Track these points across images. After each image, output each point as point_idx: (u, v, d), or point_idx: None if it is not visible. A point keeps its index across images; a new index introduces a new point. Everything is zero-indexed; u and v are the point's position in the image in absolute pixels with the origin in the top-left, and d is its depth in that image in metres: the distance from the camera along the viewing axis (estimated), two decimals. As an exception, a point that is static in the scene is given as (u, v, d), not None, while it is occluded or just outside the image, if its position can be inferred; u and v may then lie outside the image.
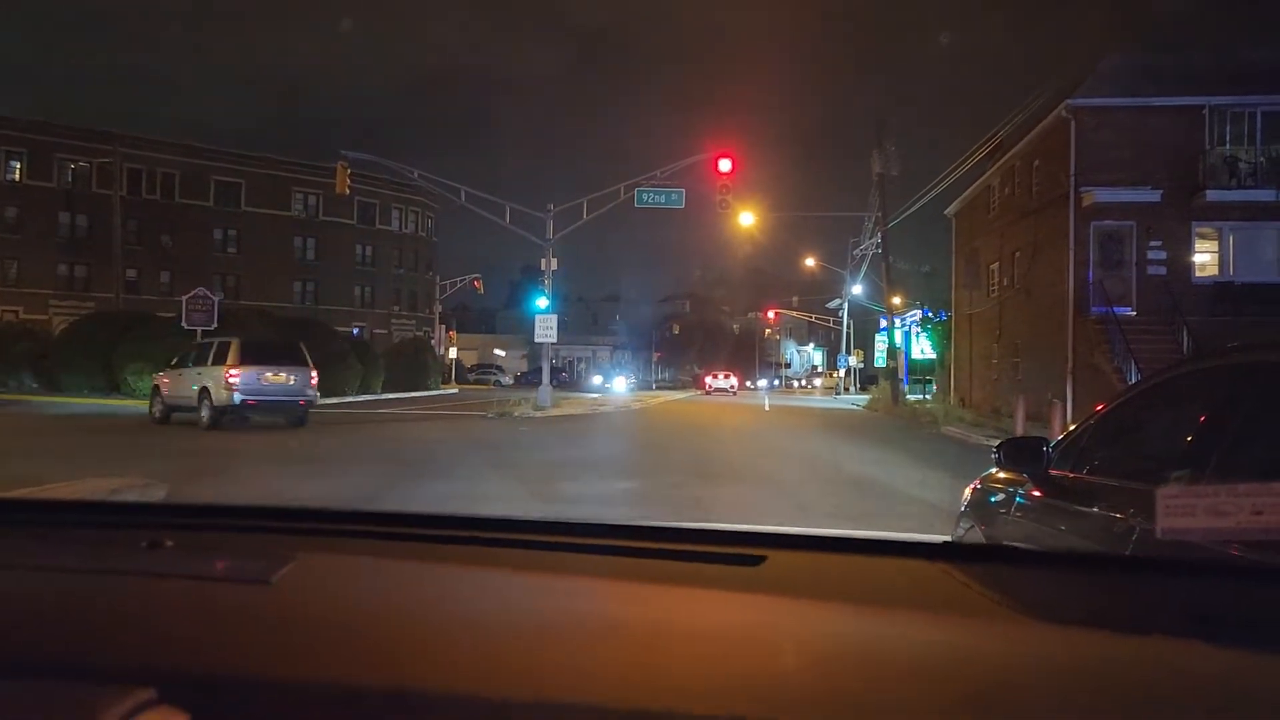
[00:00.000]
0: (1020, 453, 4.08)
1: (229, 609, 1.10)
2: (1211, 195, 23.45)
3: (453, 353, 64.51)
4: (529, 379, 39.87)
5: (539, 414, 27.84)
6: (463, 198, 31.75)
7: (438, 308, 66.78)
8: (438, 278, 68.41)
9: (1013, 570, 1.44)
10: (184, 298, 29.87)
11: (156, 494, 9.45)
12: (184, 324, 28.97)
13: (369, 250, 66.76)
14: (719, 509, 9.79)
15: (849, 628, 1.10)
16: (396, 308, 68.76)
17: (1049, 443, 4.11)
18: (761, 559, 1.41)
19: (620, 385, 58.23)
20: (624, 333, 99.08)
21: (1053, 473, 3.86)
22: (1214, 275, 24.12)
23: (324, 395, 33.29)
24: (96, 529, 1.74)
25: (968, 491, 4.81)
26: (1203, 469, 2.90)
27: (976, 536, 4.54)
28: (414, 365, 44.95)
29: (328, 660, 0.92)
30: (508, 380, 66.43)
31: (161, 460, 13.43)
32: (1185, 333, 22.16)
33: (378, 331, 62.66)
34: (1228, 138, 24.09)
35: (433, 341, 57.85)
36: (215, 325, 29.05)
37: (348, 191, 29.61)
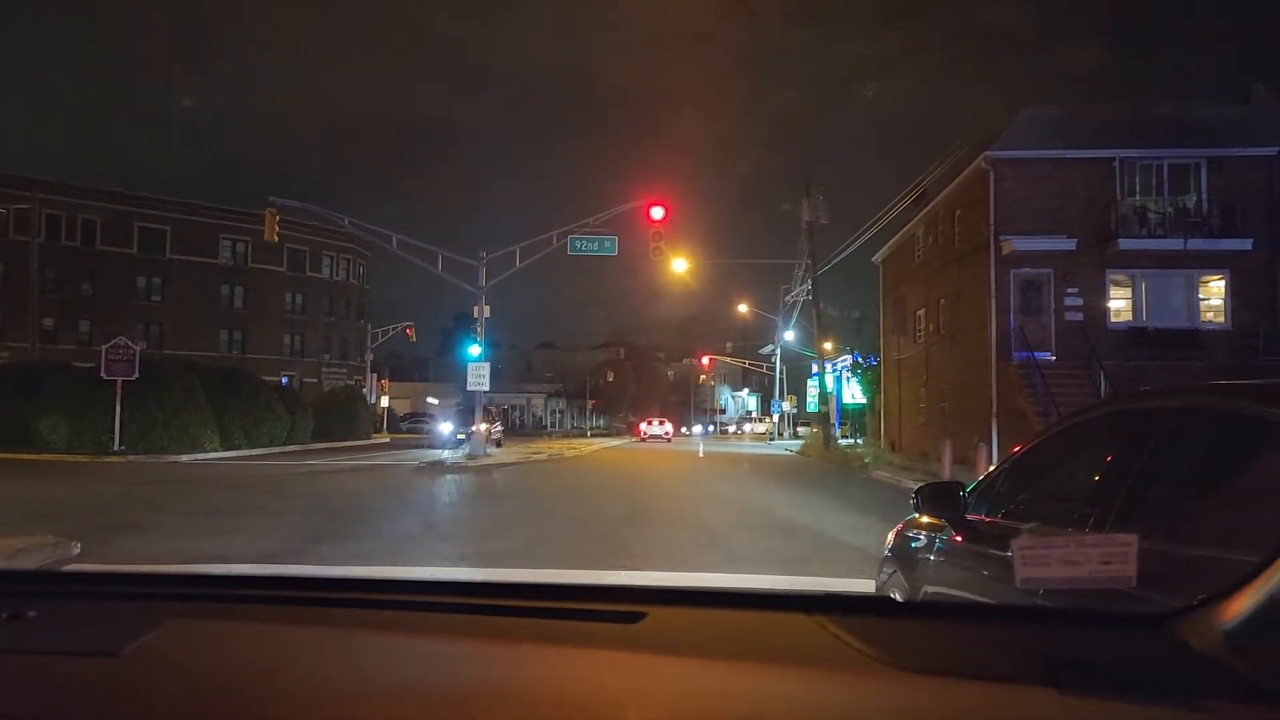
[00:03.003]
0: (937, 498, 4.13)
1: (73, 683, 1.05)
2: (1124, 244, 24.33)
3: (385, 401, 63.58)
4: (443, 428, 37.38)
5: (472, 463, 27.52)
6: (394, 245, 31.53)
7: (369, 356, 65.90)
8: (369, 326, 67.57)
9: (885, 622, 1.45)
10: (104, 347, 29.05)
11: (69, 552, 9.13)
12: (103, 374, 28.14)
13: (299, 298, 65.81)
14: (650, 556, 9.75)
15: (723, 687, 1.10)
16: (327, 356, 67.75)
17: (965, 487, 4.18)
18: (642, 615, 1.40)
19: (483, 435, 33.21)
20: (558, 380, 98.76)
21: (969, 517, 3.92)
22: (1128, 321, 24.95)
23: (249, 446, 32.74)
24: None
25: (891, 536, 4.86)
26: (1107, 511, 2.97)
27: (899, 581, 4.57)
28: (345, 415, 44.29)
29: None
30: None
31: (77, 517, 12.97)
32: (1102, 377, 22.83)
33: (308, 380, 61.59)
34: (1138, 189, 25.08)
35: (364, 390, 56.98)
36: (136, 375, 28.29)
37: (276, 238, 29.17)
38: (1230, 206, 24.34)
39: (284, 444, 35.40)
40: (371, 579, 1.72)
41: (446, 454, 29.23)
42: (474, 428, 31.33)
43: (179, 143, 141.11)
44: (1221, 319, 24.58)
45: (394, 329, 64.61)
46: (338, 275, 69.11)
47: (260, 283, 62.76)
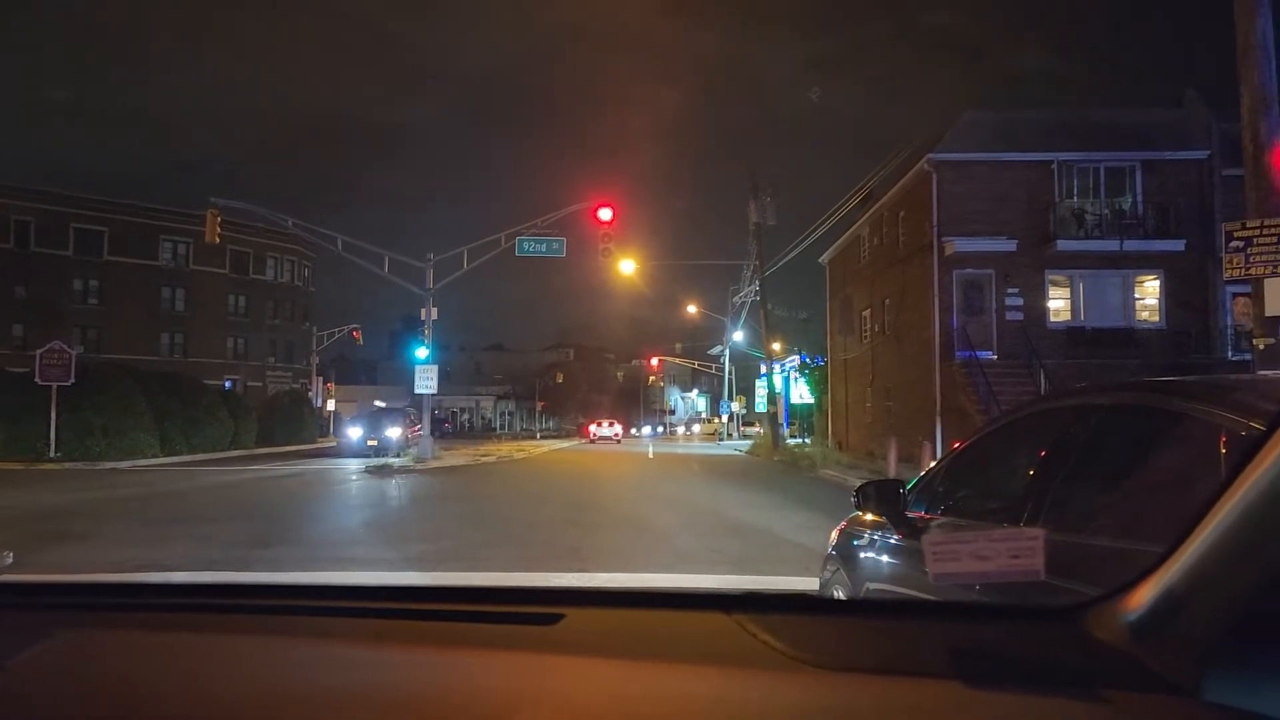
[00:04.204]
0: (877, 496, 4.18)
1: None
2: (1062, 245, 24.86)
3: (331, 405, 62.75)
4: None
5: (419, 466, 27.28)
6: (339, 246, 31.19)
7: (315, 359, 64.93)
8: (315, 328, 66.55)
9: (804, 620, 1.47)
10: (39, 352, 28.28)
11: (3, 562, 8.88)
12: (38, 379, 27.42)
13: (242, 301, 64.61)
14: (598, 558, 9.74)
15: (639, 688, 1.11)
16: (272, 359, 66.60)
17: (905, 485, 4.24)
18: (559, 617, 1.40)
19: (395, 433, 34.60)
20: (508, 382, 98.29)
21: (909, 514, 3.98)
22: (1067, 320, 25.48)
23: (191, 452, 32.12)
24: None
25: (834, 534, 4.91)
26: (1040, 506, 3.04)
27: (842, 578, 4.63)
28: (290, 419, 43.73)
29: None
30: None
31: (8, 527, 12.63)
32: (1042, 375, 23.28)
33: (252, 384, 60.49)
34: (1075, 191, 25.64)
35: (310, 394, 56.18)
36: (73, 380, 27.62)
37: (218, 240, 28.68)
38: (1164, 208, 24.99)
39: (227, 449, 34.81)
40: (288, 585, 1.70)
41: (394, 458, 28.92)
42: (411, 430, 31.08)
43: (118, 143, 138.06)
44: (1156, 318, 25.21)
45: (340, 331, 63.80)
46: (282, 277, 67.99)
47: (202, 285, 61.49)
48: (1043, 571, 1.34)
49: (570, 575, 8.47)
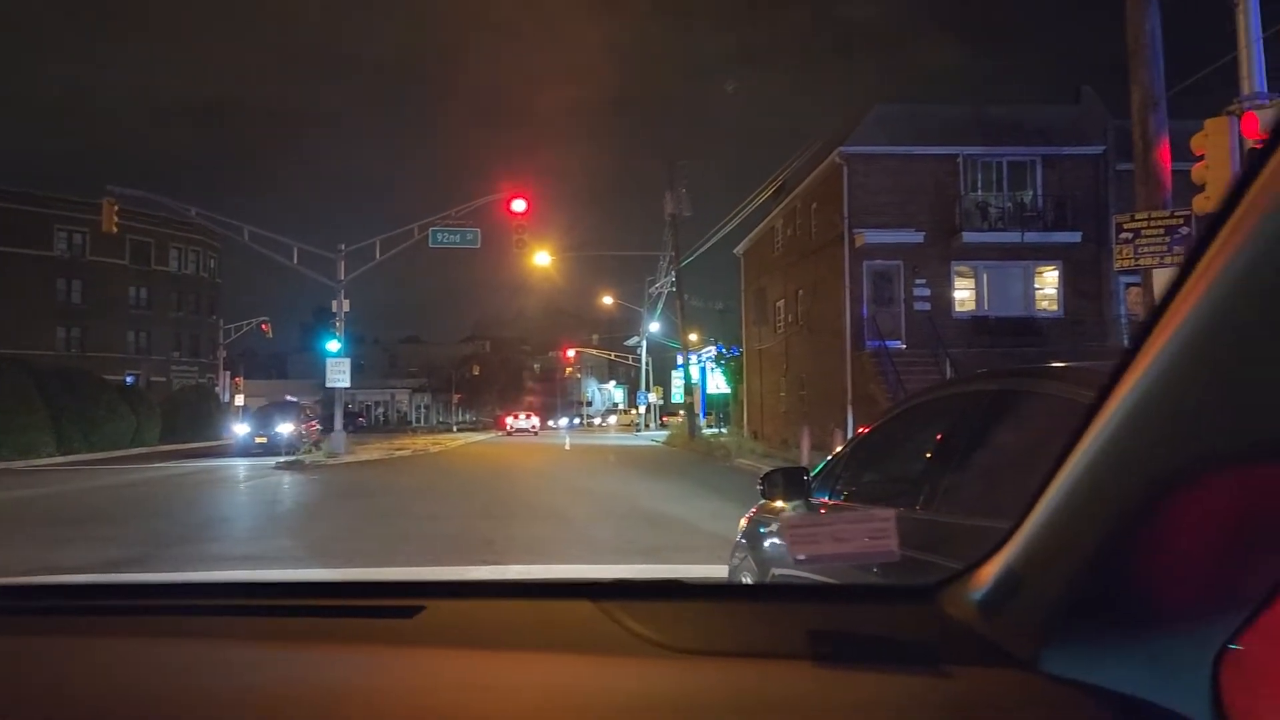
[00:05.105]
0: (782, 483, 4.26)
1: None
2: (967, 237, 25.56)
3: (240, 400, 61.13)
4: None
5: (332, 461, 26.78)
6: (246, 236, 30.35)
7: (222, 353, 63.14)
8: (222, 321, 64.65)
9: (671, 606, 1.48)
10: (-78, 347, 26.94)
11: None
12: (-79, 376, 26.12)
13: (144, 293, 62.31)
14: (511, 550, 9.70)
15: (499, 679, 1.11)
16: (176, 353, 64.44)
17: (809, 472, 4.32)
18: (418, 609, 1.39)
19: (287, 429, 31.66)
20: (423, 374, 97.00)
21: (813, 500, 4.06)
22: (972, 310, 26.22)
23: (90, 450, 30.94)
24: None
25: (743, 522, 4.98)
26: (936, 489, 3.13)
27: (750, 564, 4.70)
28: (196, 414, 42.54)
29: None
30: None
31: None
32: (948, 363, 23.92)
33: (156, 379, 58.48)
34: (980, 185, 26.39)
35: (217, 389, 54.63)
36: (-40, 376, 26.38)
37: (116, 229, 27.64)
38: (1063, 202, 25.87)
39: (129, 447, 33.65)
40: (131, 584, 1.66)
41: (306, 454, 28.30)
42: (308, 425, 30.44)
43: (10, 128, 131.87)
44: (1055, 307, 26.11)
45: (249, 324, 62.14)
46: (186, 269, 65.79)
47: (100, 276, 59.09)
48: (897, 552, 1.40)
49: (434, 569, 8.34)
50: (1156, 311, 0.84)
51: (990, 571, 1.19)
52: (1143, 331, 0.87)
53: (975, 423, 3.15)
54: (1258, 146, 0.73)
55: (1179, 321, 0.80)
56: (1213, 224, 0.76)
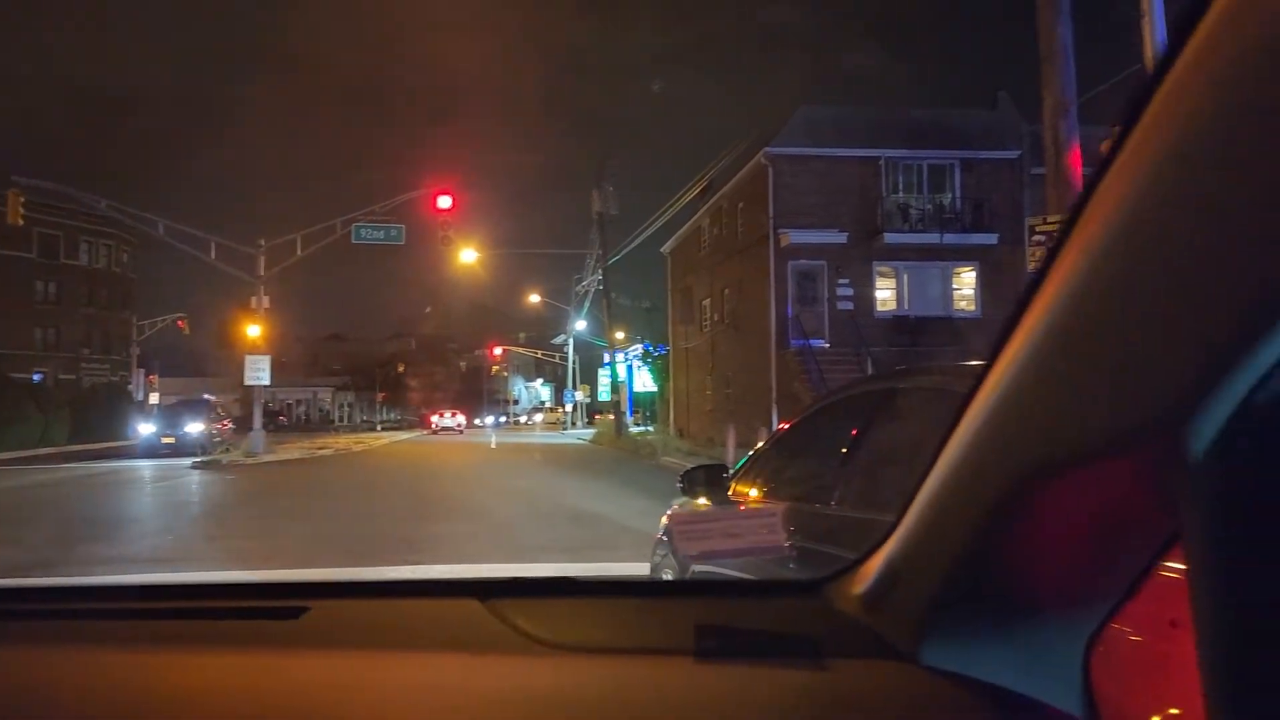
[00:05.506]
0: (702, 480, 4.30)
1: None
2: (888, 238, 26.06)
3: (155, 398, 59.33)
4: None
5: (250, 460, 26.18)
6: (161, 230, 29.49)
7: (136, 350, 61.18)
8: (136, 317, 62.66)
9: (560, 603, 1.48)
10: None
11: None
12: None
13: (52, 287, 60.10)
14: (432, 550, 9.60)
15: (383, 678, 1.10)
16: (87, 350, 62.25)
17: (728, 469, 4.36)
18: (302, 610, 1.37)
19: (197, 428, 30.09)
20: (347, 372, 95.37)
21: (732, 497, 4.10)
22: (893, 309, 26.74)
23: (-8, 450, 29.76)
24: None
25: (664, 519, 5.00)
26: (850, 486, 3.19)
27: (670, 562, 4.72)
28: (107, 413, 41.19)
29: None
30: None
31: None
32: (870, 362, 24.34)
33: (65, 377, 56.42)
34: (901, 186, 26.93)
35: (130, 387, 52.93)
36: None
37: (21, 221, 26.63)
38: (980, 204, 26.53)
39: (36, 447, 32.44)
40: (25, 588, 1.61)
41: (223, 453, 27.62)
42: (220, 424, 29.79)
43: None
44: (973, 307, 26.78)
45: (164, 321, 60.36)
46: (98, 263, 63.62)
47: (5, 270, 56.84)
48: (784, 546, 1.42)
49: (321, 570, 8.20)
50: (1017, 312, 0.87)
51: (874, 565, 1.22)
52: (1005, 331, 0.90)
53: (885, 419, 3.23)
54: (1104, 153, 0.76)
55: (1031, 323, 0.83)
56: (1064, 229, 0.79)
